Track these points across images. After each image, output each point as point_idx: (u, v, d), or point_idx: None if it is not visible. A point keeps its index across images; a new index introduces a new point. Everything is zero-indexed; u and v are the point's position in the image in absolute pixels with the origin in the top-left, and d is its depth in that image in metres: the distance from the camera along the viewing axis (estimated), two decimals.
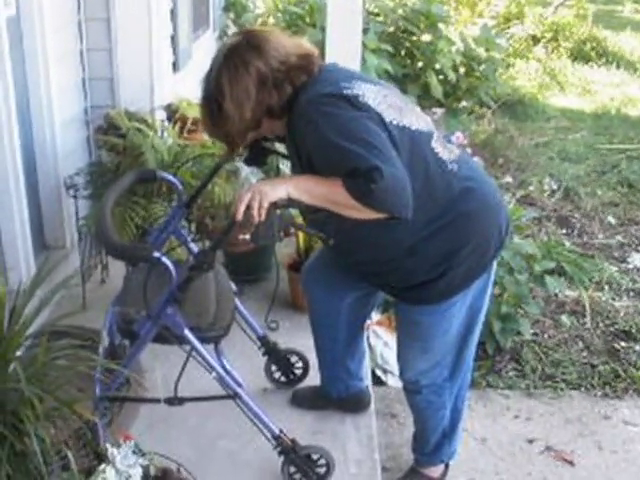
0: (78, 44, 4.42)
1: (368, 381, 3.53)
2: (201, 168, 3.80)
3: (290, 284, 4.11)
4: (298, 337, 3.49)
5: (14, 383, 2.23)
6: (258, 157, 2.91)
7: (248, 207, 2.33)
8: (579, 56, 12.29)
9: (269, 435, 2.83)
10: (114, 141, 4.03)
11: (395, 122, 2.42)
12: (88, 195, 3.95)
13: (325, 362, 3.29)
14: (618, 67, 12.00)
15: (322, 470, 2.92)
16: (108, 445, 2.25)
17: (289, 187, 2.34)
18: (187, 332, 2.64)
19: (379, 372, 4.12)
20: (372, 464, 3.06)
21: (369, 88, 2.47)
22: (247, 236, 2.38)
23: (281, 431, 2.84)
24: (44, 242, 4.20)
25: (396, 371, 4.07)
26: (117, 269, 4.15)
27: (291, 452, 2.85)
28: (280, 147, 2.99)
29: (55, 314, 2.87)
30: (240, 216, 2.33)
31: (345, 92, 2.40)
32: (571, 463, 3.66)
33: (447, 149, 2.59)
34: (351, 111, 2.35)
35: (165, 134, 4.19)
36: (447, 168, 2.54)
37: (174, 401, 2.80)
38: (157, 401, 2.83)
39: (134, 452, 2.24)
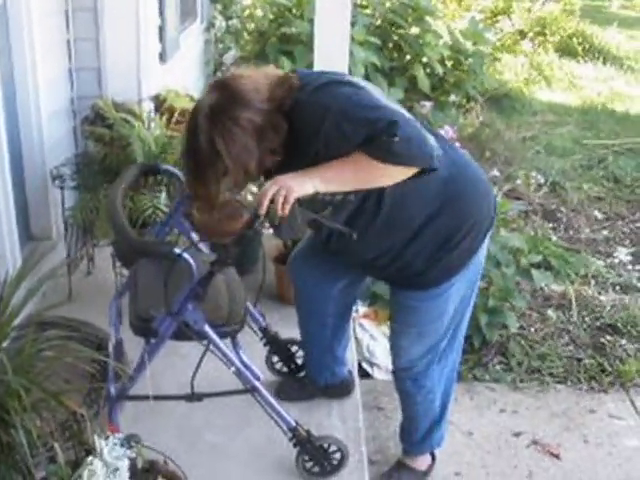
0: (65, 34, 4.39)
1: (353, 367, 3.56)
2: None
3: (277, 277, 4.10)
4: (285, 329, 3.48)
5: (0, 374, 2.22)
6: None
7: (272, 201, 2.30)
8: (566, 51, 12.30)
9: (285, 427, 2.85)
10: (101, 132, 4.01)
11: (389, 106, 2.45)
12: (75, 186, 3.93)
13: (313, 350, 3.30)
14: (604, 62, 12.02)
15: (336, 460, 2.94)
16: (95, 437, 2.24)
17: (315, 181, 2.33)
18: (207, 328, 2.63)
19: (365, 365, 4.12)
20: (359, 457, 3.06)
21: (353, 77, 2.55)
22: (271, 230, 2.37)
23: (297, 423, 2.85)
24: (30, 233, 4.18)
25: (382, 364, 4.10)
26: (103, 261, 4.14)
27: (307, 443, 2.86)
28: None
29: (41, 305, 2.86)
30: (264, 210, 2.31)
31: (337, 77, 2.47)
32: (557, 456, 3.67)
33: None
34: (352, 88, 2.39)
35: (152, 125, 4.17)
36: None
37: (193, 398, 2.81)
38: (179, 398, 2.84)
39: (121, 444, 2.23)
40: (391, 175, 2.35)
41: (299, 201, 2.32)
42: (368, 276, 3.05)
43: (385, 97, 2.51)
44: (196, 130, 2.40)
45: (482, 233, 2.73)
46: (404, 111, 2.37)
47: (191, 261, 2.44)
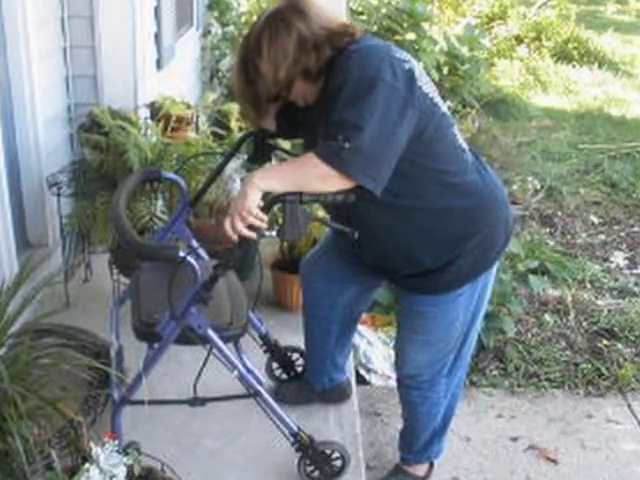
0: (61, 41, 4.39)
1: (351, 374, 3.55)
2: (186, 167, 3.79)
3: (274, 283, 4.10)
4: (282, 336, 3.48)
5: None
6: (263, 154, 2.90)
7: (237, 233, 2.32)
8: (562, 56, 12.32)
9: (287, 432, 2.85)
10: (97, 139, 4.01)
11: (431, 96, 2.48)
12: (71, 193, 3.93)
13: (315, 355, 3.30)
14: (600, 67, 12.04)
15: (338, 465, 2.94)
16: (92, 444, 2.24)
17: (255, 181, 2.30)
18: (211, 332, 2.62)
19: (362, 371, 4.12)
20: (356, 463, 3.05)
21: (413, 59, 2.51)
22: (273, 232, 2.37)
23: (299, 428, 2.85)
24: (27, 240, 4.17)
25: (379, 370, 4.10)
26: (100, 268, 4.14)
27: (309, 449, 2.87)
28: (284, 144, 2.99)
29: (38, 312, 2.86)
30: (234, 238, 2.33)
31: (394, 54, 2.44)
32: (554, 461, 3.68)
33: (462, 139, 2.65)
34: (387, 74, 2.35)
35: (149, 132, 4.18)
36: (463, 156, 2.61)
37: (196, 402, 2.81)
38: (182, 403, 2.83)
39: (118, 451, 2.23)
40: (327, 180, 2.30)
41: (301, 201, 2.33)
42: (379, 280, 3.04)
43: (433, 96, 2.51)
44: (254, 26, 2.53)
45: (496, 247, 2.72)
46: (394, 134, 2.33)
47: (195, 264, 2.45)
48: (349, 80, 2.34)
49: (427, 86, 2.48)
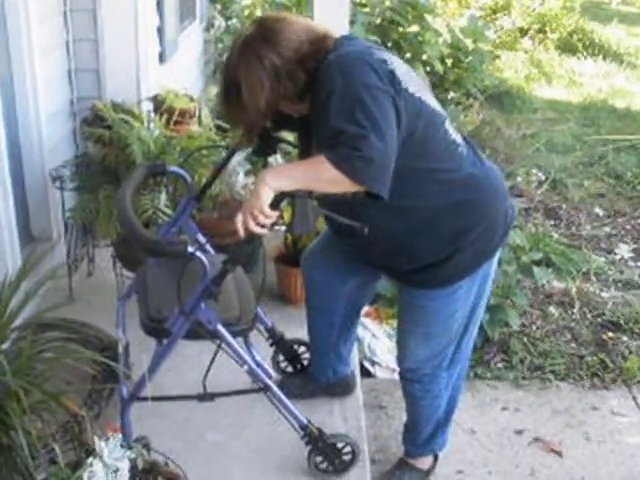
0: (64, 35, 4.38)
1: (355, 366, 3.56)
2: (189, 161, 3.79)
3: (278, 276, 4.10)
4: (286, 329, 3.47)
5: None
6: (267, 147, 2.92)
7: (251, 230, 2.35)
8: (566, 48, 12.28)
9: (297, 425, 2.85)
10: (100, 133, 4.01)
11: (417, 95, 2.48)
12: (74, 187, 3.93)
13: (318, 347, 3.31)
14: (605, 59, 11.99)
15: (347, 458, 2.95)
16: (96, 438, 2.24)
17: (267, 181, 2.33)
18: (220, 327, 2.62)
19: (367, 364, 4.12)
20: (361, 456, 3.04)
21: (395, 58, 2.53)
22: (283, 227, 2.39)
23: (309, 421, 2.86)
24: (30, 234, 4.17)
25: (383, 362, 4.09)
26: (103, 262, 4.13)
27: (318, 441, 2.87)
28: (289, 136, 3.00)
29: (41, 306, 2.85)
30: (243, 235, 2.36)
31: (374, 56, 2.45)
32: (559, 454, 3.67)
33: (456, 133, 2.64)
34: (372, 78, 2.36)
35: (152, 125, 4.17)
36: (458, 150, 2.60)
37: (205, 398, 2.81)
38: (191, 398, 2.82)
39: (122, 445, 2.23)
40: (338, 184, 2.31)
41: (310, 196, 2.33)
42: (380, 273, 3.04)
43: (421, 95, 2.51)
44: (231, 56, 2.57)
45: (495, 240, 2.72)
46: (392, 132, 2.34)
47: (204, 260, 2.44)
48: (336, 90, 2.35)
49: (413, 85, 2.48)
